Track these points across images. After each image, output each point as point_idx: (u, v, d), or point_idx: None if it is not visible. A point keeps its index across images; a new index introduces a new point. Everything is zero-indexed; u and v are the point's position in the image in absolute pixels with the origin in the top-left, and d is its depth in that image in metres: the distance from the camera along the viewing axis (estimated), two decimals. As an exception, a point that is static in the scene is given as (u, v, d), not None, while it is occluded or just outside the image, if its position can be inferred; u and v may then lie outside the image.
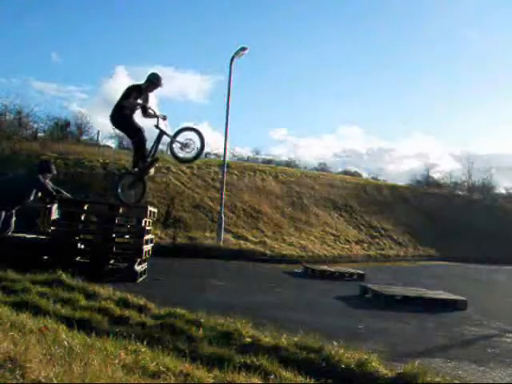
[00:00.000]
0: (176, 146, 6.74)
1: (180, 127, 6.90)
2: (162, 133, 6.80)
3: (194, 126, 7.01)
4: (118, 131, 7.27)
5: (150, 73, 6.65)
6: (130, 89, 6.55)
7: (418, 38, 63.52)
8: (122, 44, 61.67)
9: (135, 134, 6.68)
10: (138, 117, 6.79)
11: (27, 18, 55.99)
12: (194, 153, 6.78)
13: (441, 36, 65.63)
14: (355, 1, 63.09)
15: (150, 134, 6.87)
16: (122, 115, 6.54)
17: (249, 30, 62.13)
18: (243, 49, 13.68)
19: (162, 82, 6.73)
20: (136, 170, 6.87)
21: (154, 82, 6.64)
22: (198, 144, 6.63)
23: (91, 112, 44.82)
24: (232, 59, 13.70)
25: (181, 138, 6.72)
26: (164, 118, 6.79)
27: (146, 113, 6.69)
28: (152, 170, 7.07)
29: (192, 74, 66.22)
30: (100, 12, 58.13)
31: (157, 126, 6.76)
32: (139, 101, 6.60)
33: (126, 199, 6.97)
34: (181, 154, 6.79)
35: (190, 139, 6.66)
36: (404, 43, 64.82)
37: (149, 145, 6.94)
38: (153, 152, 6.94)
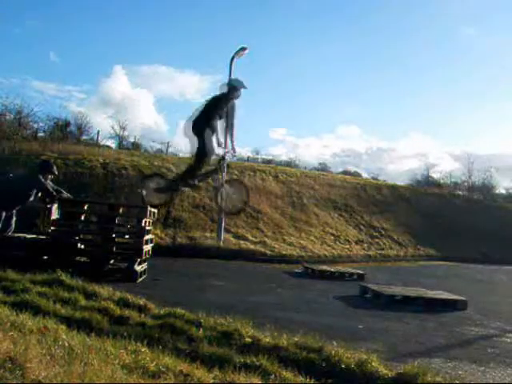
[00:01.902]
0: (222, 191, 6.31)
1: (232, 178, 6.60)
2: (219, 169, 6.28)
3: (244, 181, 6.62)
4: (188, 141, 6.41)
5: (229, 80, 6.03)
6: (214, 100, 5.86)
7: (418, 38, 63.62)
8: (120, 44, 61.81)
9: (206, 150, 5.94)
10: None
11: (25, 17, 56.07)
12: (232, 206, 6.48)
13: (441, 36, 65.68)
14: (355, 1, 63.12)
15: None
16: (201, 125, 5.80)
17: (248, 30, 62.20)
18: (243, 49, 13.66)
19: (244, 83, 6.01)
20: (176, 181, 6.38)
21: (236, 86, 5.87)
22: (240, 200, 6.33)
23: (89, 112, 44.80)
24: (232, 59, 13.70)
25: (227, 186, 6.33)
26: (234, 155, 6.34)
27: (232, 128, 6.14)
28: (183, 191, 6.75)
29: (191, 73, 66.26)
30: (98, 11, 58.20)
31: (222, 158, 6.20)
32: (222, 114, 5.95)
33: (147, 199, 6.57)
34: (223, 202, 6.36)
35: (235, 193, 6.33)
36: (404, 43, 64.90)
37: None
38: (200, 178, 6.46)
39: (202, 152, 5.94)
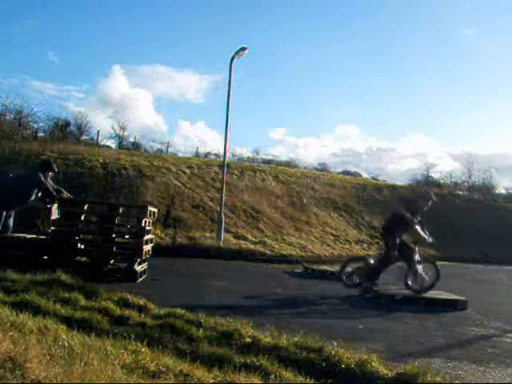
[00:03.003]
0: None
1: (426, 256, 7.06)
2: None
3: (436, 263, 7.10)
4: None
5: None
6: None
7: (418, 38, 63.60)
8: (119, 43, 61.78)
9: (404, 250, 6.81)
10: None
11: (24, 17, 56.06)
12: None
13: (440, 36, 65.67)
14: (355, 2, 63.12)
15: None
16: (402, 224, 6.75)
17: (248, 30, 62.18)
18: (243, 49, 13.68)
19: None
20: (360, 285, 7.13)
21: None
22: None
23: (89, 111, 44.90)
24: (232, 59, 13.71)
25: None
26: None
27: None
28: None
29: (191, 73, 66.24)
30: (97, 11, 58.17)
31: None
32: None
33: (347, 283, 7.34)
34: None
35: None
36: (404, 43, 64.89)
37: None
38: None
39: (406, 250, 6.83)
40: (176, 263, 9.56)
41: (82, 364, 2.29)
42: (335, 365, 3.23)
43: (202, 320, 3.96)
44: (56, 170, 7.55)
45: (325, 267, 10.22)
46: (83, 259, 6.98)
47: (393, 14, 62.35)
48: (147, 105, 54.02)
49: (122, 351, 2.83)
